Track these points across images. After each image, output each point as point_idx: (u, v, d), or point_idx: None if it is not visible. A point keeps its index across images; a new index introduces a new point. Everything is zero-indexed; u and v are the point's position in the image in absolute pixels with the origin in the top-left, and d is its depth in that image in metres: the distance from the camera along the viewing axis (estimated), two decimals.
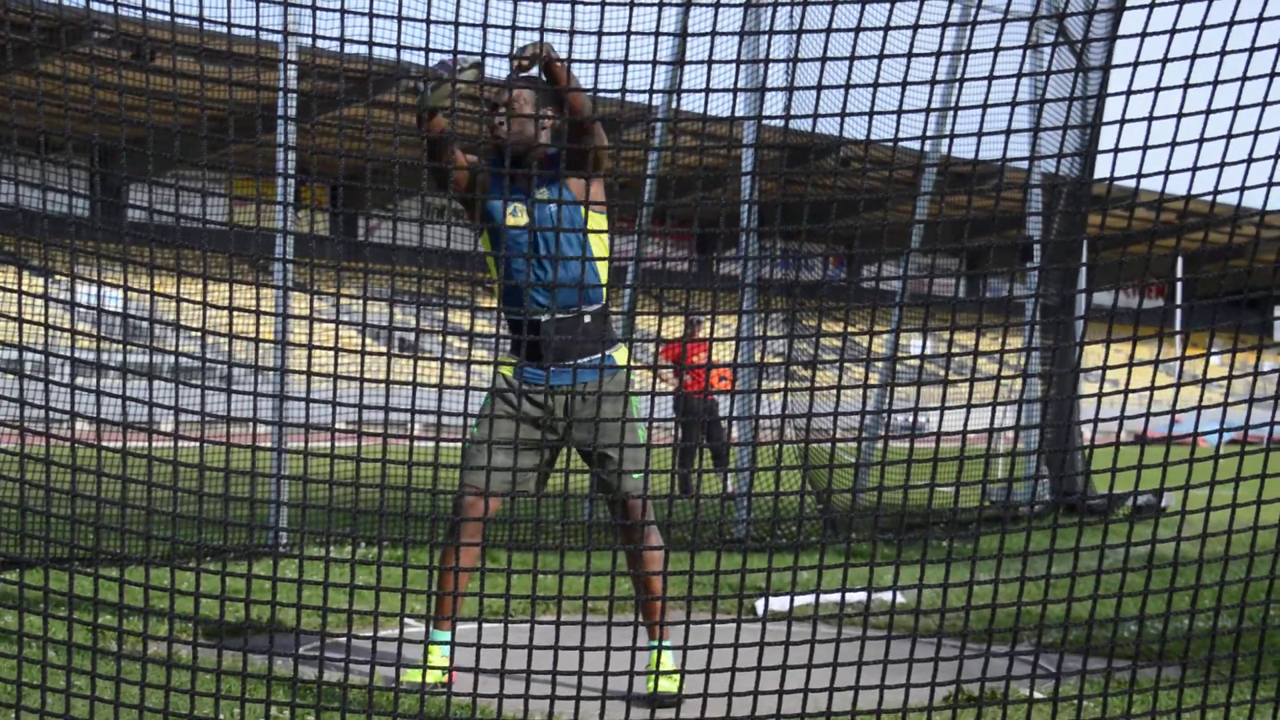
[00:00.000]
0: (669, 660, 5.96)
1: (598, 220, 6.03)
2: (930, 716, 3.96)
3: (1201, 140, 3.90)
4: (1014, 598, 6.63)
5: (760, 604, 8.09)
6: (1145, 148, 3.91)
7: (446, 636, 5.82)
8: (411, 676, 5.55)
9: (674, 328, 16.56)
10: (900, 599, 7.80)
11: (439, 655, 5.82)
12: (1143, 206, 3.95)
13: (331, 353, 3.94)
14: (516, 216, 6.08)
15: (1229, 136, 3.88)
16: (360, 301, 4.93)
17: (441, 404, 4.04)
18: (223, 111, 4.30)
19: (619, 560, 6.54)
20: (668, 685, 5.76)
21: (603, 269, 6.15)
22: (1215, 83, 3.90)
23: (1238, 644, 3.93)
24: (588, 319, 6.08)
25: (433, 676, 5.61)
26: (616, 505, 6.11)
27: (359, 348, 4.05)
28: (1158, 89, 3.87)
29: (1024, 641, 5.96)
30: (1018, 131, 4.03)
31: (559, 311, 5.99)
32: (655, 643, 5.90)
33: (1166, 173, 3.92)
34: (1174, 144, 3.89)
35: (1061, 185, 13.30)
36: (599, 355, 6.06)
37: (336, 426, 4.14)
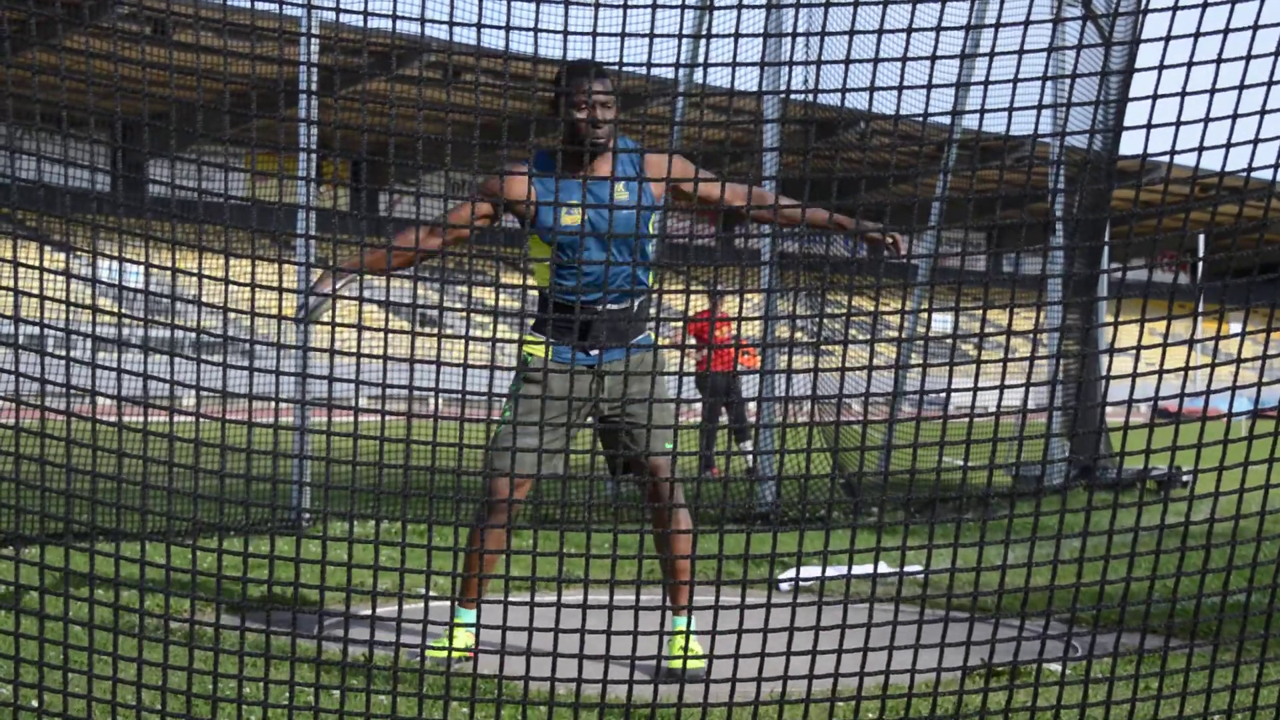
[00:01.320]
0: (695, 640, 5.95)
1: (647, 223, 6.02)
2: (961, 695, 3.92)
3: (1235, 116, 3.84)
4: (1043, 575, 6.60)
5: (785, 581, 8.06)
6: (1178, 123, 3.85)
7: (472, 616, 5.88)
8: (436, 653, 5.53)
9: (698, 304, 16.52)
10: (930, 576, 7.74)
11: (464, 634, 5.89)
12: (1176, 183, 3.89)
13: (356, 330, 3.91)
14: (573, 215, 5.96)
15: (1262, 112, 3.82)
16: (384, 279, 4.90)
17: (466, 382, 4.00)
18: (245, 86, 4.26)
19: (647, 543, 6.52)
20: (695, 664, 5.74)
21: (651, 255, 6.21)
22: (1247, 57, 3.84)
23: (1269, 624, 3.88)
24: (636, 306, 6.12)
25: (458, 650, 5.59)
26: (646, 486, 6.09)
27: (382, 325, 4.01)
28: (1189, 63, 3.81)
29: (1056, 619, 5.93)
30: (1042, 107, 3.97)
31: (615, 303, 6.02)
32: (682, 621, 5.89)
33: (1199, 149, 3.87)
34: (1206, 119, 3.84)
35: (1086, 161, 13.22)
36: (644, 335, 6.10)
37: (359, 405, 4.11)
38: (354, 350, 3.93)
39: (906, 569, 7.76)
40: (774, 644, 3.86)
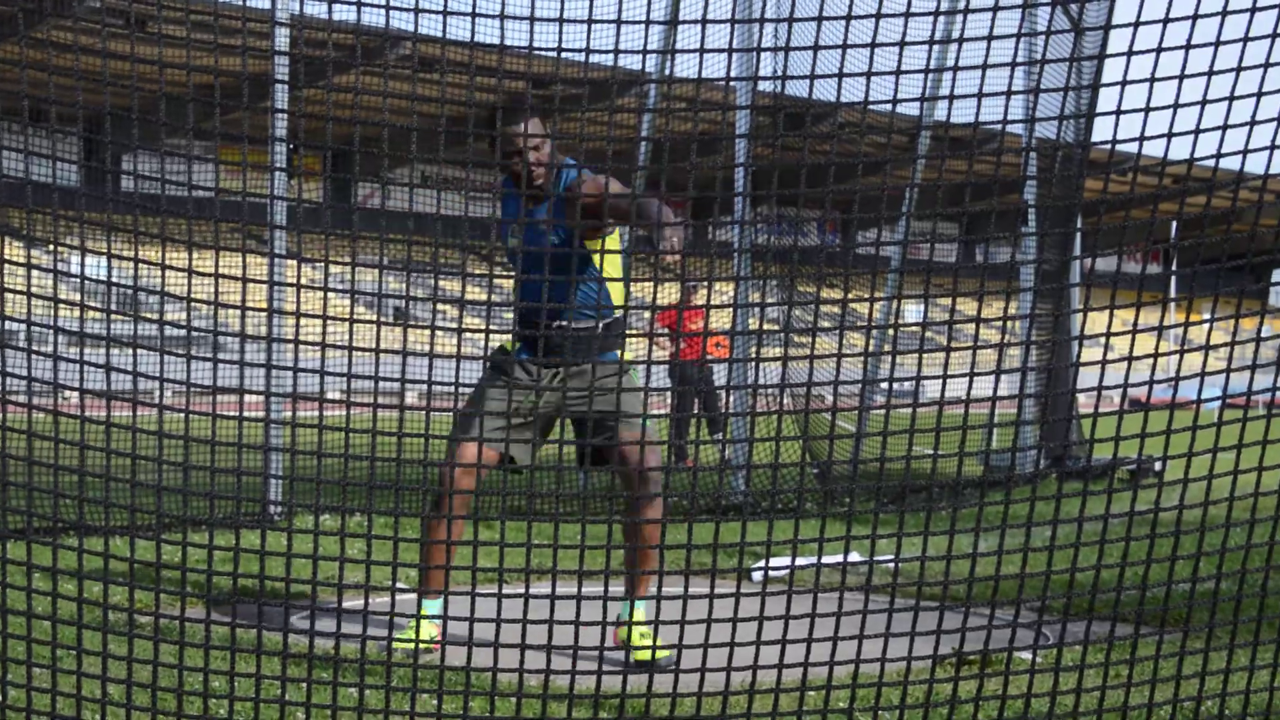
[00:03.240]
0: (645, 631, 5.99)
1: (611, 242, 6.26)
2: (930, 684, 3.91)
3: (1203, 102, 3.84)
4: (1014, 563, 6.59)
5: (756, 571, 8.06)
6: (1146, 109, 3.84)
7: (437, 606, 5.90)
8: (402, 643, 5.58)
9: (669, 294, 16.50)
10: (900, 566, 7.75)
11: (428, 625, 5.90)
12: (1142, 171, 3.89)
13: (325, 321, 3.88)
14: (515, 238, 6.34)
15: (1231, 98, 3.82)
16: (354, 269, 4.86)
17: (432, 373, 3.97)
18: (220, 79, 4.23)
19: (616, 533, 6.52)
20: (661, 654, 5.75)
21: (615, 290, 6.35)
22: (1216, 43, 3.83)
23: (1238, 610, 3.88)
24: (599, 329, 6.30)
25: (423, 642, 5.63)
26: (624, 477, 6.19)
27: (349, 316, 3.98)
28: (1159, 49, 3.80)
29: (1026, 608, 5.92)
30: (1014, 94, 3.96)
31: (575, 324, 6.23)
32: (639, 606, 6.01)
33: (1168, 135, 3.86)
34: (1175, 105, 3.83)
35: (1058, 149, 13.23)
36: (612, 352, 6.30)
37: (327, 396, 4.08)
38: (327, 343, 3.91)
39: (876, 558, 7.78)
40: (744, 634, 3.85)
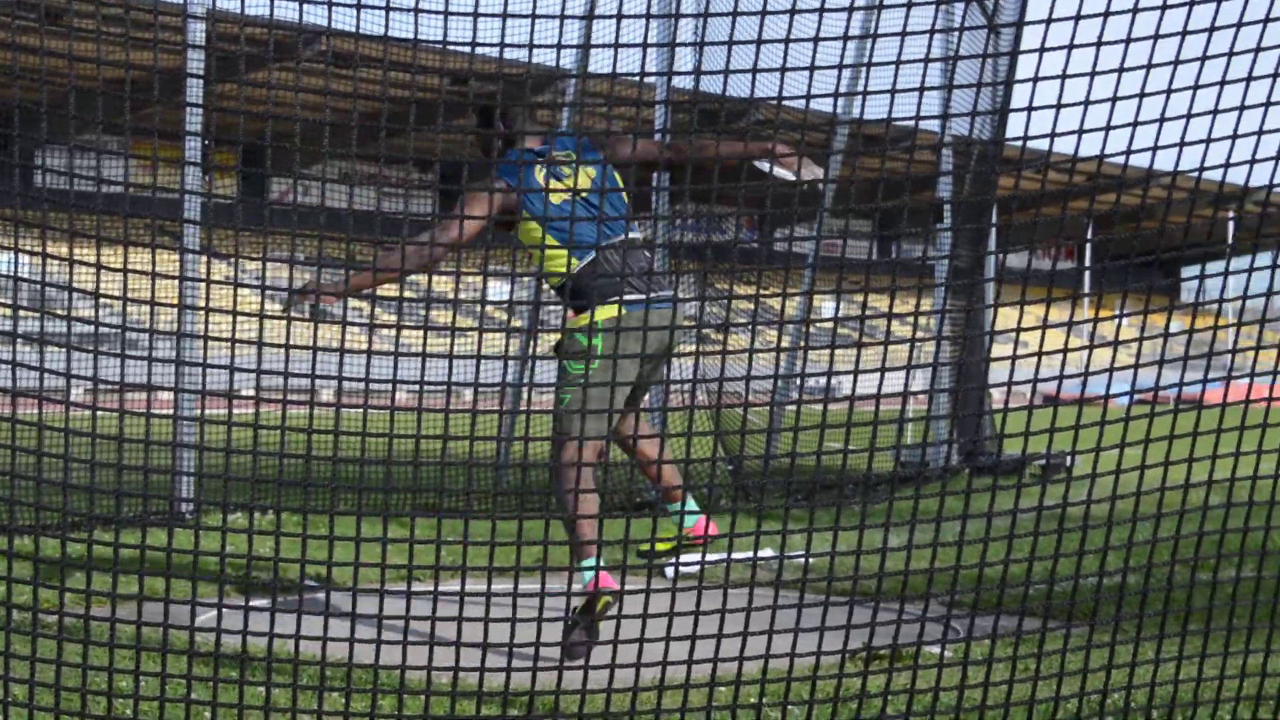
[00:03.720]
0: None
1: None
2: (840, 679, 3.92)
3: (1114, 99, 3.86)
4: (923, 558, 6.61)
5: (669, 567, 8.04)
6: (1058, 105, 3.86)
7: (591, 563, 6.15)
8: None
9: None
10: (810, 561, 7.78)
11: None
12: (1054, 168, 3.91)
13: (240, 317, 3.85)
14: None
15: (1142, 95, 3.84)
16: (271, 264, 4.82)
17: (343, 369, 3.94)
18: (134, 74, 4.18)
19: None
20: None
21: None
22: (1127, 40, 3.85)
23: (1143, 604, 3.91)
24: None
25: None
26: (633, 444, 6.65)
27: (262, 312, 3.94)
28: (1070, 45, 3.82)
29: (935, 602, 5.93)
30: (929, 89, 3.97)
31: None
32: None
33: (1079, 131, 3.89)
34: (1086, 102, 3.85)
35: (973, 145, 13.30)
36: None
37: (243, 393, 4.05)
38: (247, 339, 3.87)
39: (788, 554, 7.87)
40: (654, 630, 3.84)
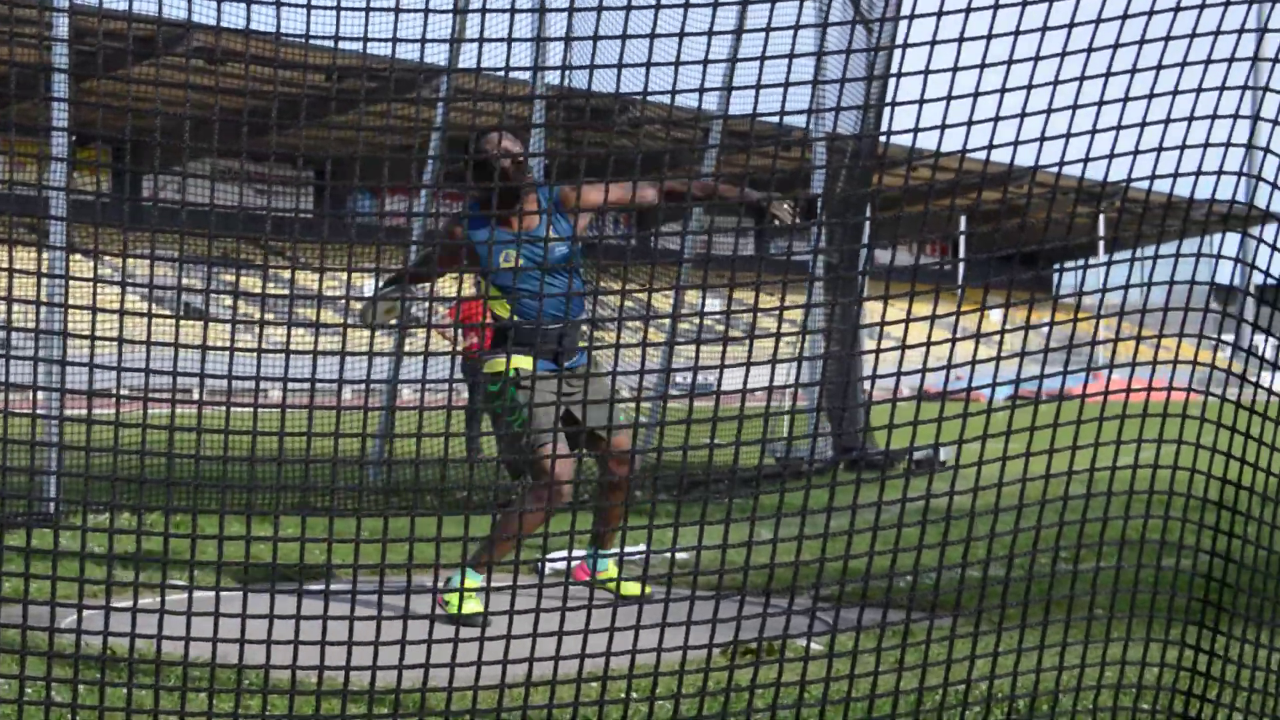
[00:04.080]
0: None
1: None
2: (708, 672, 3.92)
3: (976, 94, 3.89)
4: (794, 553, 6.64)
5: (541, 564, 8.01)
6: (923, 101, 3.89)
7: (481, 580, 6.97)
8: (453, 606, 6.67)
9: (450, 287, 16.41)
10: (682, 556, 7.81)
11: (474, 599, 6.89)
12: (924, 164, 3.94)
13: (107, 316, 3.80)
14: (508, 261, 7.01)
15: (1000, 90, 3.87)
16: (142, 263, 4.75)
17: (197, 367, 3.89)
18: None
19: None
20: (632, 590, 7.08)
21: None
22: (989, 36, 3.88)
23: (1005, 595, 3.95)
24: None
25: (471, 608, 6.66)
26: (602, 460, 7.34)
27: (128, 311, 3.88)
28: (933, 41, 3.85)
29: (802, 596, 5.96)
30: (798, 84, 3.98)
31: (566, 322, 7.11)
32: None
33: (942, 127, 3.91)
34: (949, 96, 3.88)
35: (846, 141, 13.39)
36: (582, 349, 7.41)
37: (106, 392, 3.98)
38: (109, 336, 3.81)
39: (636, 549, 8.08)
40: (523, 627, 3.82)
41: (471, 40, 4.14)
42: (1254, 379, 4.28)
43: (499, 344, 7.32)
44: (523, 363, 6.99)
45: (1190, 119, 3.92)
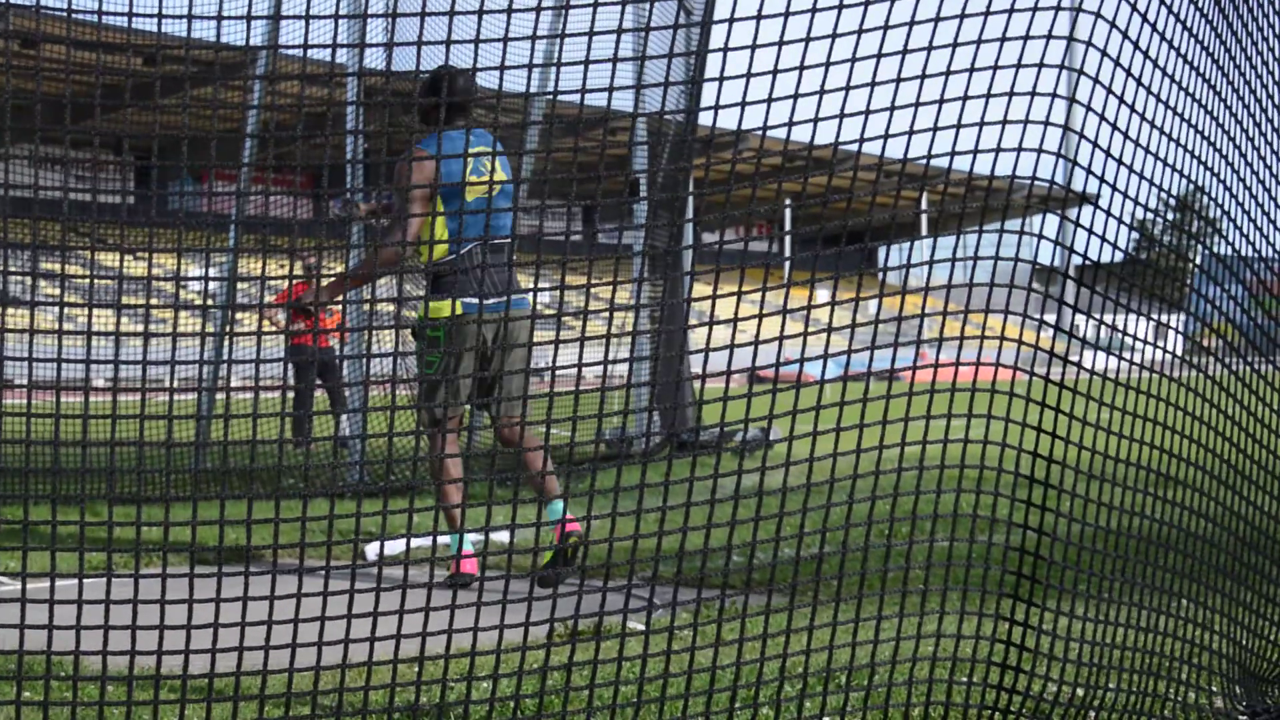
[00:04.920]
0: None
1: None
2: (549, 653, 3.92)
3: (801, 71, 3.91)
4: (626, 534, 6.66)
5: (371, 549, 7.97)
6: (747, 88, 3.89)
7: (457, 541, 7.06)
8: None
9: (278, 270, 16.24)
10: (518, 539, 7.80)
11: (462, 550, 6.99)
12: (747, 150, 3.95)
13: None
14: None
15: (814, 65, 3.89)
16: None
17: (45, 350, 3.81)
18: None
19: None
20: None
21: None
22: (813, 11, 3.89)
23: (819, 568, 3.99)
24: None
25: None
26: (498, 430, 7.40)
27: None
28: (760, 15, 3.85)
29: (636, 576, 5.99)
30: (621, 59, 3.97)
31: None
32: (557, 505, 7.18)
33: (742, 103, 3.92)
34: (774, 71, 3.89)
35: (667, 124, 13.43)
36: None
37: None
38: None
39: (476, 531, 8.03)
40: (338, 611, 3.79)
41: (293, 17, 4.08)
42: (1075, 359, 4.34)
43: (440, 287, 7.41)
44: (442, 308, 7.25)
45: (1010, 94, 3.93)
